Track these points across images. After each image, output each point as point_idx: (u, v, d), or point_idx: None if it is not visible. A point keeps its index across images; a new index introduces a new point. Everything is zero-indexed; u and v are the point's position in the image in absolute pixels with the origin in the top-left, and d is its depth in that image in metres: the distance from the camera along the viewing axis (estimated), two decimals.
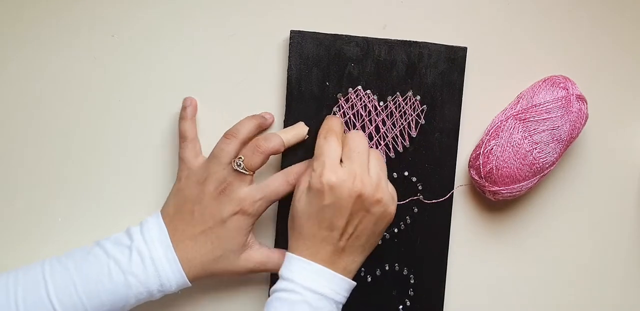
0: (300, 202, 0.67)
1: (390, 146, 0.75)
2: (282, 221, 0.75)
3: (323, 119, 0.72)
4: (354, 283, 0.68)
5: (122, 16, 0.77)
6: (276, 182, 0.70)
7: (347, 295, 0.67)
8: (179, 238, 0.68)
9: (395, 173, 0.75)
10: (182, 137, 0.72)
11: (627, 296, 0.81)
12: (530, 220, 0.80)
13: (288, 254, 0.67)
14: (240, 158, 0.69)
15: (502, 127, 0.75)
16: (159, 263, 0.66)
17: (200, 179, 0.69)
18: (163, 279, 0.67)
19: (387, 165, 0.74)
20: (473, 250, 0.79)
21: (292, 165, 0.72)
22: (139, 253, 0.66)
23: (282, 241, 0.74)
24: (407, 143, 0.75)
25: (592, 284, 0.81)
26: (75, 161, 0.76)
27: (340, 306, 0.67)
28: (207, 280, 0.73)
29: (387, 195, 0.68)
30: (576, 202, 0.80)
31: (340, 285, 0.66)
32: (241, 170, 0.68)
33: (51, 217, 0.76)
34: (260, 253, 0.71)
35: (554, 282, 0.80)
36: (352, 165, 0.66)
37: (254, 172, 0.70)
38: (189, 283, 0.68)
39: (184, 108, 0.73)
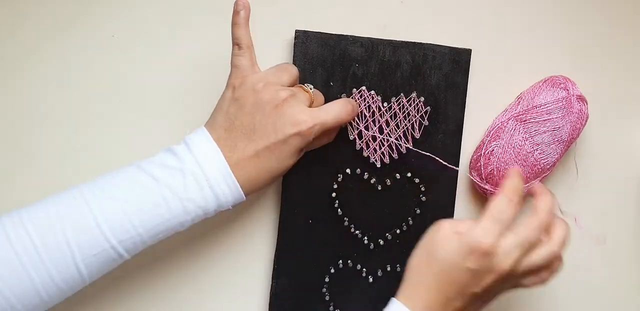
0: (445, 250, 0.61)
1: (394, 147, 0.75)
2: (283, 226, 0.75)
3: None
4: None
5: (122, 16, 0.77)
6: (338, 109, 0.67)
7: None
8: (240, 156, 0.63)
9: (397, 174, 0.75)
10: (236, 44, 0.66)
11: (628, 297, 0.81)
12: None
13: (397, 303, 0.61)
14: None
15: (503, 128, 0.75)
16: (218, 187, 0.62)
17: (257, 87, 0.64)
18: (221, 201, 0.63)
19: (390, 166, 0.75)
20: None
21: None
22: (194, 177, 0.61)
23: (282, 249, 0.74)
24: (410, 144, 0.75)
25: (593, 284, 0.81)
26: (74, 162, 0.76)
27: None
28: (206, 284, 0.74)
29: (532, 279, 0.63)
30: (577, 202, 0.80)
31: None
32: (309, 89, 0.67)
33: None
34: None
35: (554, 283, 0.80)
36: (516, 247, 0.61)
37: (312, 103, 0.67)
38: (245, 198, 0.65)
39: (236, 13, 0.66)
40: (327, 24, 0.75)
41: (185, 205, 0.61)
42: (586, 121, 0.75)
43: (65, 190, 0.62)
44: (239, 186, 0.63)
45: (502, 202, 0.62)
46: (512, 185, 0.64)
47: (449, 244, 0.61)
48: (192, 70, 0.76)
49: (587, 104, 0.75)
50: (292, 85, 0.67)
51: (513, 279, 0.62)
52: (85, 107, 0.76)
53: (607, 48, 0.80)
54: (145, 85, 0.76)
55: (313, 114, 0.64)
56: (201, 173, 0.61)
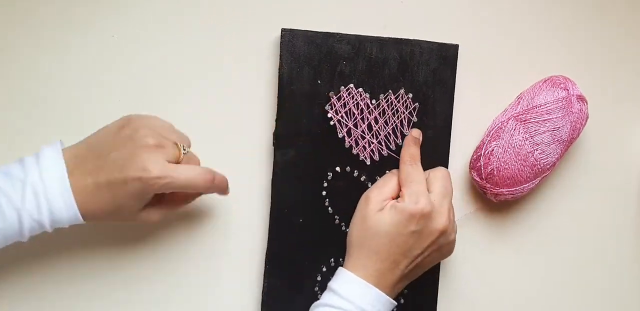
0: (385, 222, 0.67)
1: (383, 144, 0.74)
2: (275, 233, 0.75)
3: (315, 117, 0.73)
4: (395, 304, 0.69)
5: (122, 16, 0.77)
6: (194, 172, 0.65)
7: None
8: (84, 179, 0.62)
9: (387, 171, 0.75)
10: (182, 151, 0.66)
11: (630, 297, 0.81)
12: (532, 221, 0.80)
13: (349, 273, 0.68)
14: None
15: (503, 128, 0.75)
16: (55, 203, 0.61)
17: (127, 129, 0.64)
18: (56, 215, 0.62)
19: (380, 163, 0.75)
20: (474, 251, 0.79)
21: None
22: (34, 190, 0.61)
23: (273, 249, 0.75)
24: (399, 141, 0.75)
25: (595, 284, 0.81)
26: None
27: None
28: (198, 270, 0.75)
29: (455, 232, 0.71)
30: (577, 202, 0.80)
31: (389, 309, 0.68)
32: (183, 150, 0.65)
33: None
34: (161, 211, 0.68)
35: (556, 282, 0.80)
36: (443, 200, 0.69)
37: (179, 161, 0.65)
38: (84, 222, 0.64)
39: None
40: (318, 22, 0.75)
41: (20, 215, 0.61)
42: (586, 121, 0.76)
43: None
44: (75, 204, 0.62)
45: (407, 168, 0.71)
46: (408, 152, 0.73)
47: (389, 216, 0.68)
48: (191, 70, 0.77)
49: (587, 104, 0.75)
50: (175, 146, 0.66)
51: (447, 233, 0.69)
52: (84, 107, 0.77)
53: (607, 48, 0.80)
54: (144, 85, 0.77)
55: (165, 167, 0.63)
56: (41, 187, 0.61)
